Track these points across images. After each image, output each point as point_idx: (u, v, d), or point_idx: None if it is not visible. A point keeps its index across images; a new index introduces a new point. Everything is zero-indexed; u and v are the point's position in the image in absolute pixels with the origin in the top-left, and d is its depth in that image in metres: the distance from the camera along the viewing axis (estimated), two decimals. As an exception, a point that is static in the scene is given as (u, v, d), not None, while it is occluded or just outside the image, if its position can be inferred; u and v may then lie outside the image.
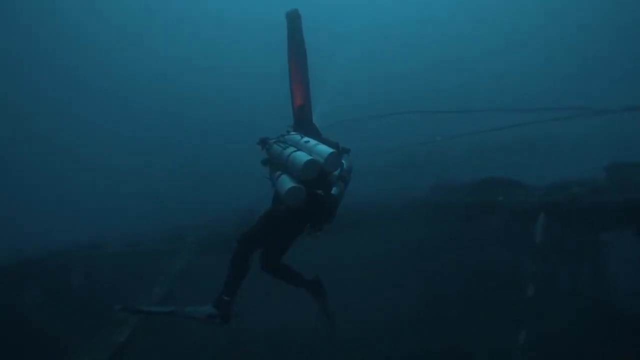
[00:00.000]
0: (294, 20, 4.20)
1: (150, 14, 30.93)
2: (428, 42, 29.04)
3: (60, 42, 28.13)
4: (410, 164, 10.90)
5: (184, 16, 31.38)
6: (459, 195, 8.76)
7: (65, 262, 8.84)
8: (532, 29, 27.74)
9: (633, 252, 6.73)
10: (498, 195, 7.91)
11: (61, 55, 28.05)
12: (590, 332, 6.31)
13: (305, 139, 3.48)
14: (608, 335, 6.11)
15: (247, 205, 9.75)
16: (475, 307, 7.29)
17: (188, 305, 3.30)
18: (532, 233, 7.25)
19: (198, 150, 21.72)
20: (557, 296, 7.09)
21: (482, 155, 10.71)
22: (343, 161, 3.60)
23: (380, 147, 10.73)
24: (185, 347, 6.29)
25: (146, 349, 5.34)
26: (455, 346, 6.61)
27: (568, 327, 6.47)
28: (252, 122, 19.89)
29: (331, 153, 3.25)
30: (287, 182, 3.25)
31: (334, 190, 3.44)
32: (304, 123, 3.94)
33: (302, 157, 3.23)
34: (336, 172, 3.48)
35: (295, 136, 3.57)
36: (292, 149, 3.39)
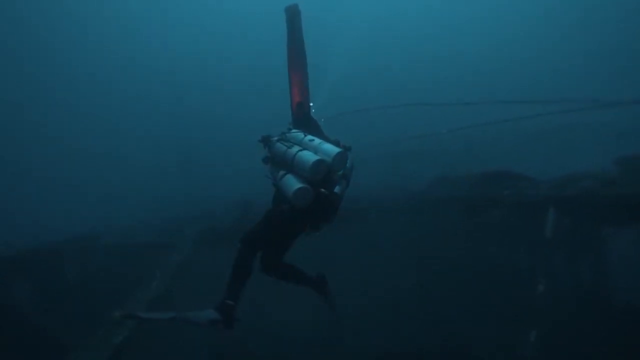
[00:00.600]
0: (293, 16, 4.16)
1: (147, 4, 30.64)
2: (430, 33, 28.92)
3: (54, 31, 27.82)
4: (413, 157, 10.78)
5: (181, 5, 31.13)
6: (462, 188, 8.67)
7: (58, 255, 8.67)
8: (539, 20, 27.65)
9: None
10: (504, 189, 7.80)
11: (57, 46, 27.79)
12: (596, 327, 6.29)
13: (309, 137, 3.43)
14: (614, 331, 6.08)
15: (246, 198, 9.65)
16: (474, 303, 7.34)
17: (190, 310, 3.20)
18: (539, 227, 7.16)
19: (195, 141, 21.56)
20: (562, 292, 7.06)
21: (487, 148, 10.61)
22: None
23: (383, 139, 10.60)
24: (186, 344, 6.18)
25: (146, 346, 5.20)
26: (455, 340, 6.69)
27: (571, 322, 6.47)
28: (251, 115, 19.78)
29: (339, 152, 3.24)
30: (293, 183, 3.20)
31: (336, 189, 3.38)
32: (303, 120, 3.90)
33: (310, 157, 3.19)
34: (339, 171, 3.42)
35: (298, 134, 3.52)
36: (296, 148, 3.34)
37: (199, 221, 9.47)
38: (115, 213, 13.08)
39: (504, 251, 8.79)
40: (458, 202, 8.47)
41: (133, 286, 6.07)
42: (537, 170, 8.31)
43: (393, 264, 8.76)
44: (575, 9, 26.82)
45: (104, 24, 29.13)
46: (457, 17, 30.04)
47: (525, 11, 28.84)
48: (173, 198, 14.26)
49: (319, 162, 3.16)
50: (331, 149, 3.27)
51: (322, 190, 3.23)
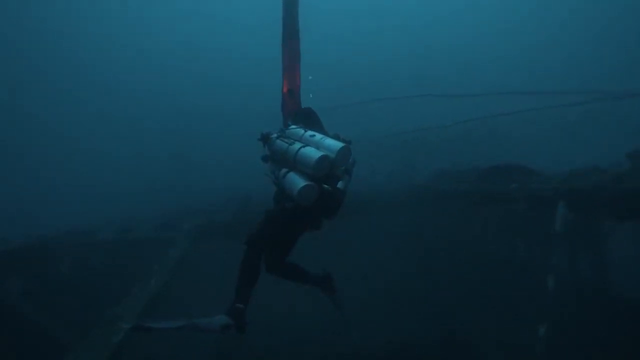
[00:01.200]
0: (290, 3, 4.14)
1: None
2: (430, 24, 28.78)
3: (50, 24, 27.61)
4: (416, 149, 10.69)
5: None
6: (469, 182, 8.59)
7: (53, 250, 8.56)
8: (547, 11, 27.45)
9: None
10: (511, 182, 7.70)
11: (55, 40, 27.59)
12: (602, 323, 6.25)
13: (310, 132, 3.40)
14: (622, 327, 6.04)
15: (244, 191, 9.58)
16: (477, 297, 7.34)
17: (200, 317, 3.15)
18: (547, 221, 7.08)
19: (193, 135, 21.46)
20: (568, 287, 7.00)
21: (492, 140, 10.52)
22: None
23: (387, 131, 10.51)
24: (187, 340, 6.11)
25: (146, 344, 5.11)
26: (455, 332, 6.72)
27: (576, 318, 6.44)
28: (249, 109, 19.65)
29: (342, 147, 3.21)
30: (298, 181, 3.17)
31: (340, 184, 3.35)
32: (300, 115, 3.85)
33: (313, 153, 3.17)
34: (342, 167, 3.40)
35: (297, 130, 3.49)
36: (298, 144, 3.30)
37: (197, 215, 9.39)
38: (112, 208, 12.98)
39: (509, 245, 8.78)
40: (464, 195, 8.40)
41: (131, 282, 5.96)
42: (547, 164, 8.22)
43: (393, 255, 8.78)
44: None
45: (102, 15, 28.97)
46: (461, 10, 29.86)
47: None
48: (171, 192, 14.18)
49: (323, 158, 3.12)
50: (334, 144, 3.23)
51: (326, 186, 3.20)
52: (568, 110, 7.89)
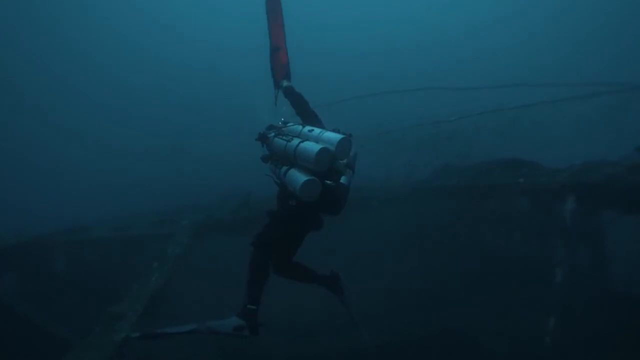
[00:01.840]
0: None
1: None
2: (431, 16, 28.71)
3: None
4: (420, 144, 10.65)
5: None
6: (470, 177, 8.59)
7: (48, 248, 8.50)
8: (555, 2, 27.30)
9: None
10: (520, 176, 7.68)
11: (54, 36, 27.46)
12: (608, 317, 6.24)
13: (308, 127, 3.39)
14: (630, 321, 6.03)
15: (244, 187, 9.53)
16: (476, 290, 7.41)
17: (212, 319, 3.19)
18: (556, 215, 7.07)
19: (191, 131, 21.39)
20: (576, 280, 6.98)
21: (500, 134, 10.48)
22: None
23: (394, 125, 10.47)
24: (189, 338, 6.04)
25: (148, 343, 5.04)
26: (455, 327, 6.79)
27: (582, 313, 6.43)
28: (247, 105, 19.50)
29: (342, 139, 3.15)
30: (299, 176, 3.12)
31: (343, 179, 3.28)
32: (295, 97, 3.90)
33: (313, 146, 3.12)
34: (343, 160, 3.32)
35: (296, 126, 3.47)
36: (297, 140, 3.27)
37: (196, 211, 9.35)
38: (110, 204, 12.93)
39: (514, 239, 8.77)
40: (470, 190, 8.39)
41: (131, 280, 5.90)
42: (555, 157, 8.19)
43: (394, 250, 8.78)
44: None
45: (103, 7, 28.84)
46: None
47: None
48: (169, 188, 14.12)
49: (323, 151, 3.07)
50: (333, 136, 3.19)
51: (328, 182, 3.14)
52: (580, 103, 7.84)
